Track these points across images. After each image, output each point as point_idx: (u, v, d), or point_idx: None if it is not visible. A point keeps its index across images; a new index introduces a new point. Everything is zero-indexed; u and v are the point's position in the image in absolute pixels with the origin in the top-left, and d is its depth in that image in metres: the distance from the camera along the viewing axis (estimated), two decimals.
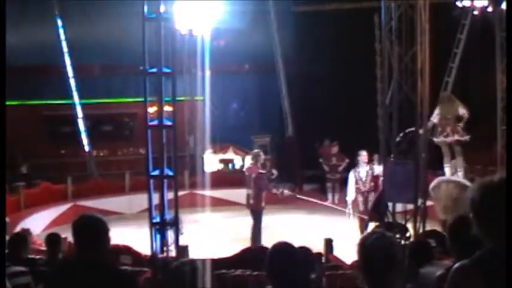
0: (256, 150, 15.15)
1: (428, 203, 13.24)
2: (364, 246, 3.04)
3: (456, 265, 2.64)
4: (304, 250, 4.39)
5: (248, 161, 21.48)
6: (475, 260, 2.57)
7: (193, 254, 9.23)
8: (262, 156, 14.33)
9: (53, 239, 7.38)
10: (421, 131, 11.79)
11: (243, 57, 23.14)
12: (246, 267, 8.24)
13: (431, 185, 14.70)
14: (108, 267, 3.88)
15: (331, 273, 8.44)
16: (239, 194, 19.28)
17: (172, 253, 8.28)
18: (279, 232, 14.96)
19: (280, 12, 22.16)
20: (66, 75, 20.75)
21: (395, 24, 11.80)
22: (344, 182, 19.96)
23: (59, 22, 20.61)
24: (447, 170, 16.20)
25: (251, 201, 14.01)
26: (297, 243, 4.38)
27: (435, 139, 16.07)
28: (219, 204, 18.52)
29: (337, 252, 10.07)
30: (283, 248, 3.89)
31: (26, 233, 7.66)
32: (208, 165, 20.77)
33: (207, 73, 20.10)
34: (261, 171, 14.06)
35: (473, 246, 2.65)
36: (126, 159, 22.04)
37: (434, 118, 16.06)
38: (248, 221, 16.65)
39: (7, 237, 7.43)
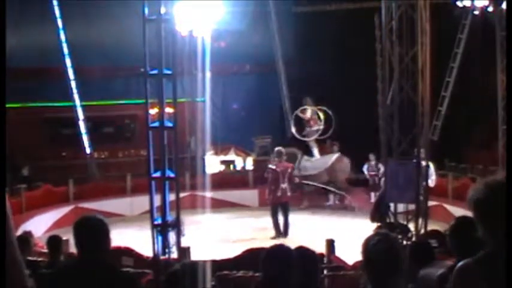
0: (279, 148, 15.67)
1: (430, 203, 13.25)
2: (368, 248, 3.04)
3: (460, 263, 2.63)
4: (303, 250, 4.36)
5: (249, 161, 21.60)
6: (478, 259, 2.57)
7: (195, 255, 9.24)
8: (284, 151, 15.39)
9: (54, 241, 7.38)
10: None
11: (244, 58, 23.16)
12: (248, 268, 8.22)
13: (334, 158, 18.78)
14: (109, 269, 3.87)
15: (333, 274, 8.43)
16: (240, 195, 19.36)
17: (174, 255, 8.26)
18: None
19: (281, 13, 22.16)
20: (67, 77, 20.74)
21: (395, 25, 11.81)
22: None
23: (60, 24, 20.60)
24: (316, 153, 19.76)
25: (288, 194, 15.03)
26: (298, 244, 4.37)
27: (307, 129, 19.54)
28: (220, 205, 18.54)
29: (339, 252, 10.07)
30: (279, 250, 3.88)
31: (27, 235, 7.66)
32: (210, 166, 20.76)
33: (208, 74, 20.08)
34: (293, 165, 15.64)
35: (474, 246, 2.65)
36: (127, 161, 22.05)
37: (308, 114, 19.40)
38: (249, 222, 16.72)
39: None
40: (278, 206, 14.95)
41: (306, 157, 19.27)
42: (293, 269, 3.76)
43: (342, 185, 18.90)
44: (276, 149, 15.75)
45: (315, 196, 19.60)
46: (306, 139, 19.81)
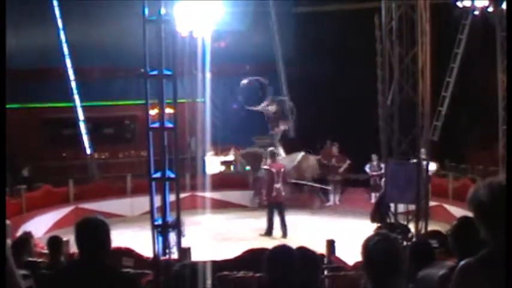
0: (271, 148, 16.22)
1: (431, 203, 13.25)
2: (368, 248, 3.04)
3: (462, 263, 2.64)
4: (304, 251, 4.36)
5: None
6: (480, 258, 2.57)
7: (195, 256, 9.23)
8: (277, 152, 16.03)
9: (54, 242, 7.37)
10: None
11: (244, 59, 23.14)
12: (248, 268, 8.23)
13: (300, 157, 18.95)
14: (110, 270, 3.88)
15: (333, 275, 8.43)
16: (240, 196, 19.36)
17: (175, 255, 8.25)
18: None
19: (281, 14, 22.16)
20: (67, 78, 20.74)
21: (395, 25, 11.81)
22: (345, 183, 20.04)
23: (60, 25, 20.60)
24: (282, 152, 19.99)
25: (283, 194, 15.24)
26: (298, 245, 4.37)
27: (275, 129, 19.92)
28: (220, 206, 18.56)
29: (340, 253, 10.07)
30: (282, 251, 3.88)
31: (27, 236, 7.65)
32: (210, 167, 20.75)
33: (208, 75, 20.08)
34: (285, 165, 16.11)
35: (476, 247, 2.64)
36: (127, 162, 22.05)
37: (273, 110, 19.73)
38: (249, 222, 16.69)
39: (9, 241, 7.43)
40: (274, 206, 15.13)
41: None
42: (296, 269, 3.76)
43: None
44: (269, 149, 16.20)
45: (315, 197, 19.61)
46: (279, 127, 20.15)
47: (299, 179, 18.97)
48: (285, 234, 14.88)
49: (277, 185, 15.04)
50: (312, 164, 19.06)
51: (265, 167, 15.54)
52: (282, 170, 15.36)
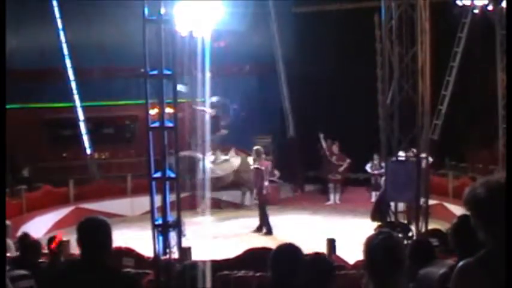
0: (257, 147, 16.10)
1: (431, 202, 13.25)
2: (370, 246, 3.04)
3: (461, 263, 2.63)
4: (318, 258, 4.35)
5: (250, 162, 21.61)
6: (479, 258, 2.57)
7: (195, 255, 9.24)
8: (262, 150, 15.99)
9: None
10: None
11: (244, 59, 23.14)
12: (248, 268, 8.24)
13: (239, 161, 18.89)
14: (110, 270, 3.88)
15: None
16: (241, 196, 19.37)
17: (175, 255, 8.26)
18: (282, 233, 15.00)
19: (281, 13, 22.15)
20: (67, 78, 20.73)
21: (395, 24, 11.81)
22: (345, 183, 20.06)
23: (60, 25, 20.60)
24: (220, 156, 19.66)
25: (269, 191, 15.62)
26: (299, 244, 4.37)
27: (216, 134, 19.74)
28: (221, 206, 18.56)
29: (340, 252, 10.08)
30: (288, 249, 3.89)
31: (26, 236, 7.66)
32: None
33: (208, 75, 20.06)
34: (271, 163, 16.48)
35: (476, 245, 2.64)
36: (127, 162, 22.03)
37: (212, 114, 19.43)
38: (250, 222, 16.70)
39: (11, 241, 7.45)
40: (265, 204, 15.38)
41: (208, 160, 19.00)
42: (301, 269, 3.76)
43: (248, 184, 18.67)
44: (255, 148, 16.18)
45: (316, 196, 19.62)
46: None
47: (238, 180, 19.10)
48: (260, 230, 15.36)
49: (266, 183, 15.29)
50: (249, 167, 18.62)
51: (255, 165, 15.59)
52: (270, 168, 15.74)
